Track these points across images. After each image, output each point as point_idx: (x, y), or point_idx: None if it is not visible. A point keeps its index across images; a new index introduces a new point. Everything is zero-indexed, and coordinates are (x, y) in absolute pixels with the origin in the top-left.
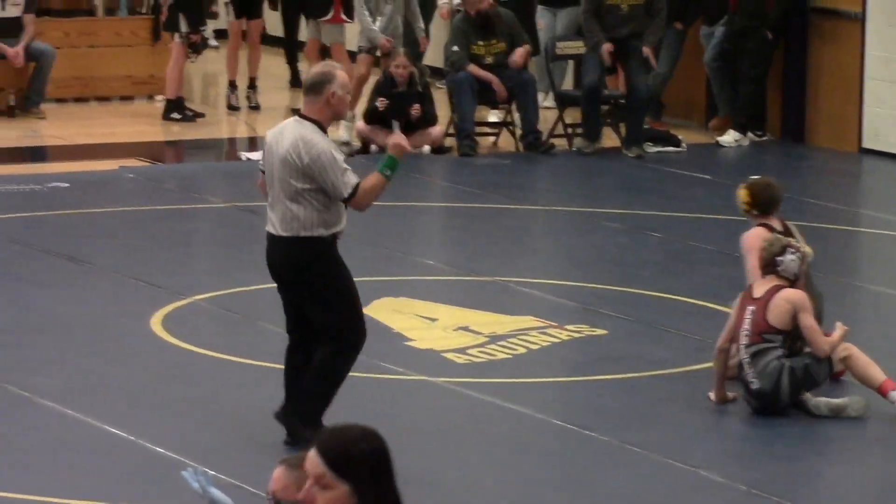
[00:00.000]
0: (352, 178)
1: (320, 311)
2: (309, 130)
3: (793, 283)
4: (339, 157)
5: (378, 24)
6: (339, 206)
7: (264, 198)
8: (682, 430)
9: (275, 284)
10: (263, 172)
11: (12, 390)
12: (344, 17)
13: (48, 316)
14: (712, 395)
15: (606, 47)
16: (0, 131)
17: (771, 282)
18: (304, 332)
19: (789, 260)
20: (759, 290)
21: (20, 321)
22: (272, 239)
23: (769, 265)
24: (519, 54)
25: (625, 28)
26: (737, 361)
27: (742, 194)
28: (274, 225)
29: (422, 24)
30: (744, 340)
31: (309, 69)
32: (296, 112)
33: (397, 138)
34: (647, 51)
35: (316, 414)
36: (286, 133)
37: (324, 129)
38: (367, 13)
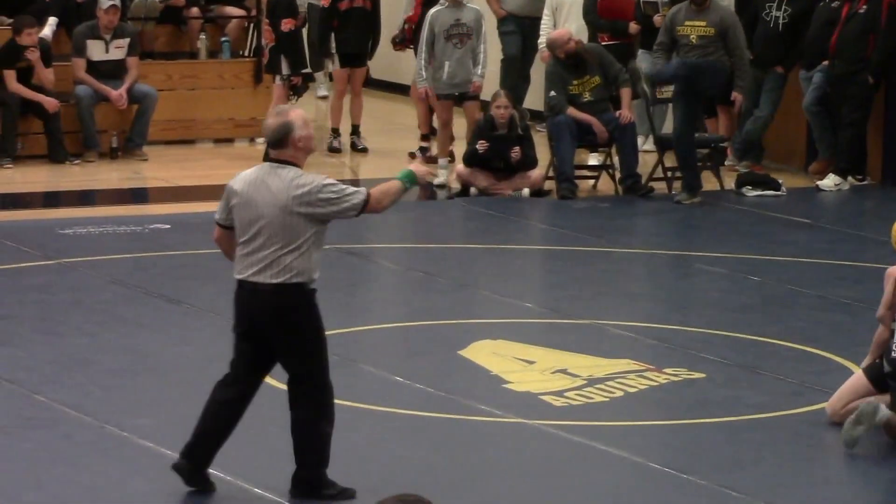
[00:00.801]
0: (356, 189)
1: (297, 361)
2: (292, 172)
3: None
4: (329, 179)
5: (446, 69)
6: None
7: (221, 250)
8: (781, 474)
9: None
10: (222, 226)
11: (112, 431)
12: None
13: (148, 357)
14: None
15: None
16: (102, 173)
17: None
18: (248, 385)
19: None
20: None
21: (121, 362)
22: (252, 287)
23: None
24: (625, 105)
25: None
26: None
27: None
28: (254, 273)
29: (479, 70)
30: None
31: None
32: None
33: (420, 165)
34: (738, 98)
35: (325, 477)
36: (272, 182)
37: (300, 166)
38: (424, 57)
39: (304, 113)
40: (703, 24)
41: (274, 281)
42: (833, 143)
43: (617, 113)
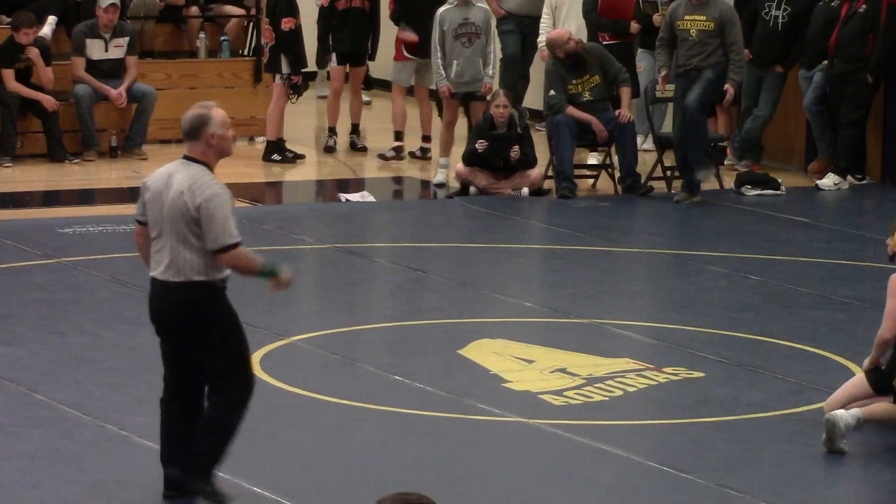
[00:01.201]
0: (233, 232)
1: (213, 359)
2: (199, 172)
3: None
4: (230, 205)
5: (454, 68)
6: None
7: (137, 248)
8: (780, 473)
9: (165, 334)
10: (140, 223)
11: (111, 429)
12: (407, 55)
13: (148, 356)
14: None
15: (662, 76)
16: (102, 172)
17: None
18: (184, 384)
19: None
20: None
21: (120, 361)
22: (161, 286)
23: None
24: (625, 105)
25: (695, 58)
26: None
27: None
28: (162, 271)
29: (489, 70)
30: None
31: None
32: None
33: (286, 281)
34: (729, 90)
35: (209, 468)
36: (176, 176)
37: (211, 170)
38: (439, 56)
39: (226, 114)
40: (702, 18)
41: (177, 279)
42: (833, 143)
43: (616, 112)
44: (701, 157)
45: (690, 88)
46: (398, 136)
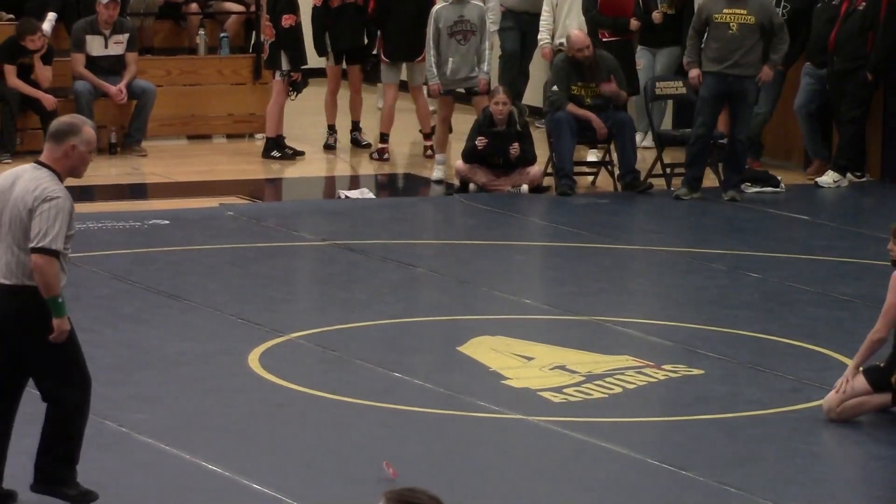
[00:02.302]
0: (59, 243)
1: (47, 362)
2: (47, 177)
3: None
4: (68, 218)
5: (450, 65)
6: (65, 258)
7: None
8: (780, 470)
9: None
10: None
11: (111, 426)
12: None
13: (147, 353)
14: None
15: (693, 73)
16: (101, 168)
17: None
18: (10, 391)
19: None
20: None
21: (120, 358)
22: None
23: None
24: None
25: (735, 53)
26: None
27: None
28: None
29: (486, 67)
30: None
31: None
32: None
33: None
34: (767, 72)
35: (73, 473)
36: (23, 177)
37: (61, 179)
38: (433, 54)
39: (95, 137)
40: (743, 12)
41: (7, 282)
42: (822, 146)
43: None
44: (738, 182)
45: (734, 105)
46: (383, 137)
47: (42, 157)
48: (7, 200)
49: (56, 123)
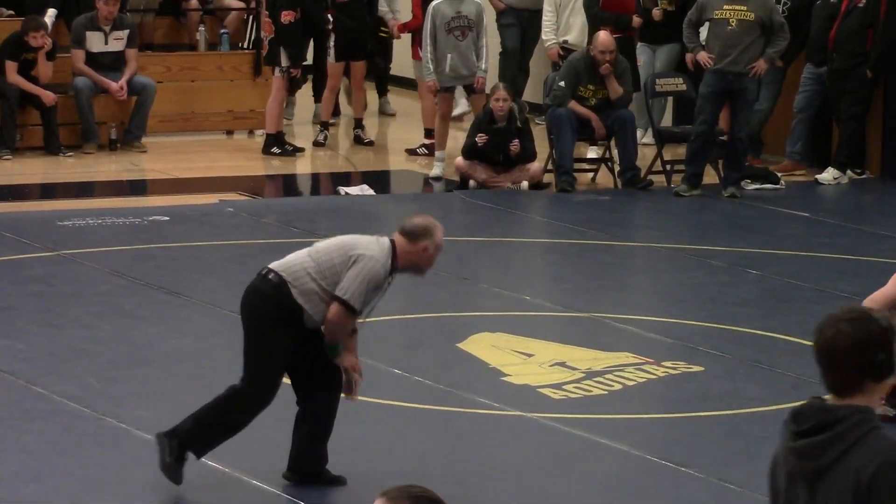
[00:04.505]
0: (358, 303)
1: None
2: (387, 252)
3: None
4: (373, 288)
5: (448, 61)
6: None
7: None
8: None
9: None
10: None
11: (111, 422)
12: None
13: (147, 349)
14: None
15: (702, 56)
16: (101, 164)
17: None
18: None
19: None
20: None
21: (120, 354)
22: None
23: None
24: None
25: (733, 49)
26: None
27: None
28: None
29: (483, 65)
30: None
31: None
32: None
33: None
34: (761, 64)
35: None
36: (361, 241)
37: (395, 267)
38: (430, 51)
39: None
40: (743, 8)
41: (285, 276)
42: (801, 150)
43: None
44: (738, 179)
45: (734, 102)
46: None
47: (395, 242)
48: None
49: (413, 223)
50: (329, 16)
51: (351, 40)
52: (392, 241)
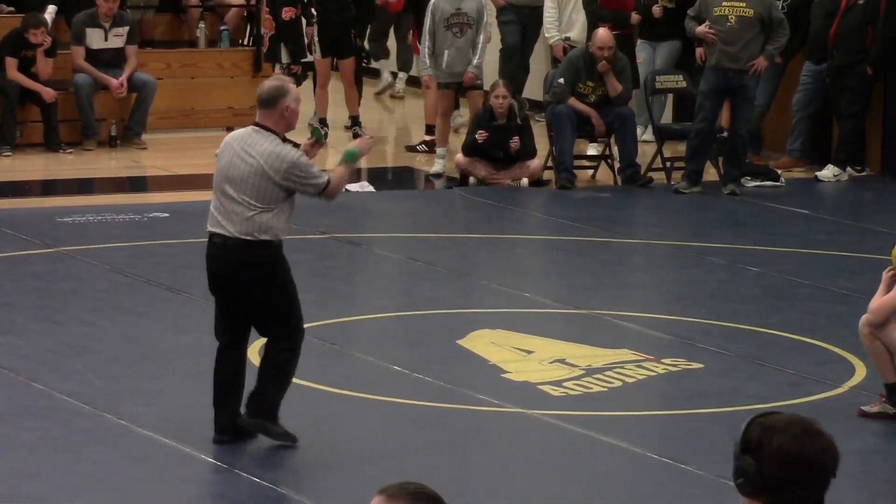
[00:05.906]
0: (322, 174)
1: (274, 312)
2: (272, 142)
3: None
4: (305, 158)
5: (445, 58)
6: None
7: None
8: None
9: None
10: None
11: (110, 419)
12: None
13: (147, 346)
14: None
15: (701, 29)
16: (101, 161)
17: None
18: (238, 335)
19: None
20: None
21: (119, 351)
22: (224, 241)
23: None
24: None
25: (732, 46)
26: None
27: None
28: (226, 228)
29: (476, 61)
30: None
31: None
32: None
33: (365, 141)
34: (761, 61)
35: (276, 411)
36: (251, 145)
37: (283, 140)
38: (428, 46)
39: (300, 94)
40: (742, 5)
41: (243, 237)
42: (804, 150)
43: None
44: (737, 176)
45: (734, 100)
46: (429, 129)
47: (260, 121)
48: (236, 166)
49: (264, 90)
50: (313, 10)
51: (336, 37)
52: (260, 125)
